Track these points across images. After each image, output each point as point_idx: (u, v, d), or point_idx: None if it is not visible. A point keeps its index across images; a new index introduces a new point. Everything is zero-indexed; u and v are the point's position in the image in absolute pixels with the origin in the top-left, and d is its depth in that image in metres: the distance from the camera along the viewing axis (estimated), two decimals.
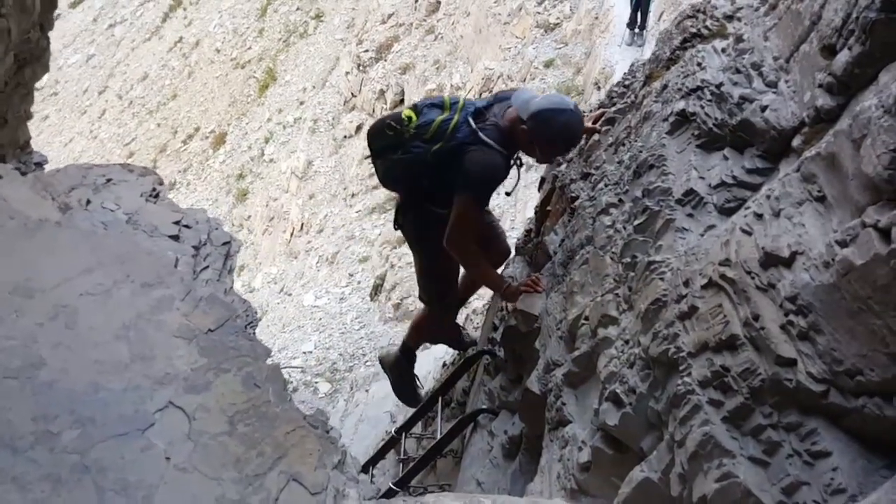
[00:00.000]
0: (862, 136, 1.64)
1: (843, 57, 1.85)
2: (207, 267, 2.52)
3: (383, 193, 13.91)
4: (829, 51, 1.93)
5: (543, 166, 3.94)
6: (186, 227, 2.61)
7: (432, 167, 3.02)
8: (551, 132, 2.92)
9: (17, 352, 1.81)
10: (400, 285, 10.87)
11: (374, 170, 3.43)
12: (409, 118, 3.07)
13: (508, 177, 3.14)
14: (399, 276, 11.09)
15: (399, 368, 3.94)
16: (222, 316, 1.90)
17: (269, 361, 1.92)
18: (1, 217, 2.02)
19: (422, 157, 3.02)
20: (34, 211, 2.07)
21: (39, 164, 4.42)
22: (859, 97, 1.81)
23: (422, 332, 3.96)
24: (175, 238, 2.51)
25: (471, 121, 2.99)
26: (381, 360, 4.09)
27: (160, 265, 2.00)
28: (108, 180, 2.62)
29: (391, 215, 12.60)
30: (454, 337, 4.09)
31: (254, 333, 2.29)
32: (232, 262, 2.79)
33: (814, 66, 1.98)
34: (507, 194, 3.25)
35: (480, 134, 2.96)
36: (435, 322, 3.85)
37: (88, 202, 2.31)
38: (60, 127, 27.24)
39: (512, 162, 3.15)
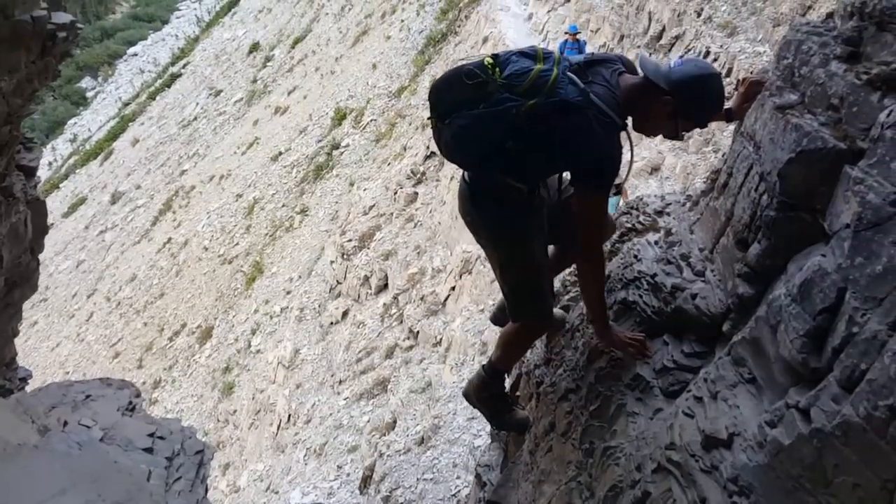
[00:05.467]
0: (777, 322, 1.81)
1: (755, 250, 2.06)
2: (180, 478, 2.54)
3: (371, 378, 13.90)
4: (743, 244, 2.15)
5: None
6: (160, 438, 2.66)
7: (523, 126, 2.41)
8: (705, 101, 2.45)
9: None
10: (389, 475, 10.58)
11: (434, 138, 2.68)
12: (492, 66, 2.46)
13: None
14: (388, 465, 10.82)
15: (487, 392, 3.14)
16: None
17: None
18: None
19: (512, 113, 2.39)
20: (14, 435, 2.14)
21: (24, 380, 4.49)
22: (773, 285, 2.00)
23: (516, 350, 3.11)
24: (149, 451, 2.55)
25: (575, 78, 2.42)
26: (467, 395, 3.28)
27: (132, 482, 2.05)
28: (87, 396, 2.70)
29: (380, 401, 12.44)
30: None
31: None
32: (205, 471, 2.80)
33: (732, 257, 2.19)
34: (618, 190, 2.56)
35: (592, 96, 2.39)
36: (533, 337, 3.05)
37: (66, 423, 2.39)
38: (48, 332, 27.39)
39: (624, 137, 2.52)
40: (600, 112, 2.37)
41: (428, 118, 2.65)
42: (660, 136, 2.66)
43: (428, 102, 2.63)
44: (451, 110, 2.50)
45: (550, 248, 2.96)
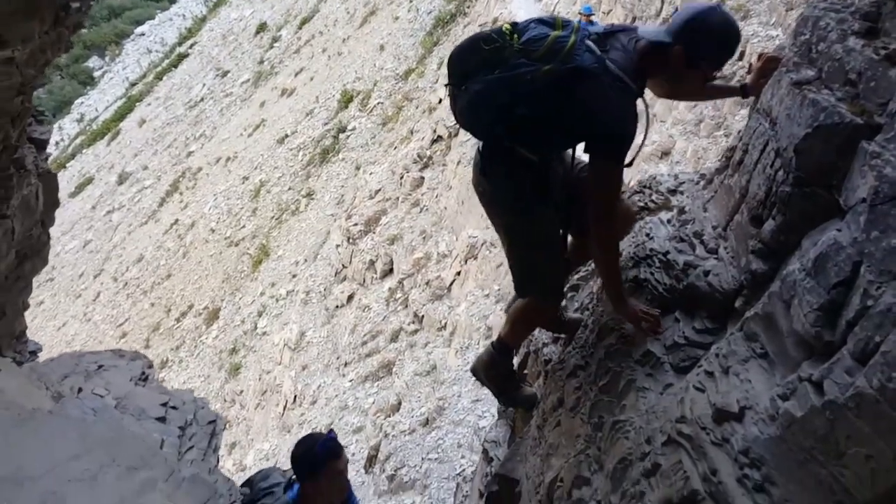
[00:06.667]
0: (791, 296, 1.81)
1: (769, 226, 2.06)
2: (193, 447, 2.57)
3: (376, 361, 13.97)
4: (758, 220, 2.15)
5: None
6: (173, 408, 2.69)
7: (537, 92, 2.37)
8: (713, 36, 2.38)
9: None
10: (394, 455, 10.66)
11: (449, 105, 2.63)
12: (510, 32, 2.44)
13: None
14: (393, 445, 10.90)
15: (496, 369, 3.12)
16: (204, 496, 1.95)
17: None
18: None
19: (526, 78, 2.36)
20: (28, 401, 2.16)
21: (34, 353, 4.52)
22: (787, 261, 2.00)
23: (524, 327, 3.07)
24: (162, 420, 2.58)
25: (593, 46, 2.39)
26: (475, 371, 3.24)
27: (145, 448, 2.07)
28: (100, 366, 2.73)
29: (384, 383, 12.47)
30: (558, 326, 3.22)
31: None
32: (217, 441, 2.83)
33: (746, 234, 2.18)
34: (629, 165, 2.49)
35: (608, 62, 2.36)
36: (541, 314, 2.97)
37: (80, 390, 2.41)
38: (55, 311, 27.55)
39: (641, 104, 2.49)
40: (616, 79, 2.35)
41: (445, 85, 2.63)
42: (671, 121, 2.66)
43: (446, 70, 2.58)
44: (467, 76, 2.48)
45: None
